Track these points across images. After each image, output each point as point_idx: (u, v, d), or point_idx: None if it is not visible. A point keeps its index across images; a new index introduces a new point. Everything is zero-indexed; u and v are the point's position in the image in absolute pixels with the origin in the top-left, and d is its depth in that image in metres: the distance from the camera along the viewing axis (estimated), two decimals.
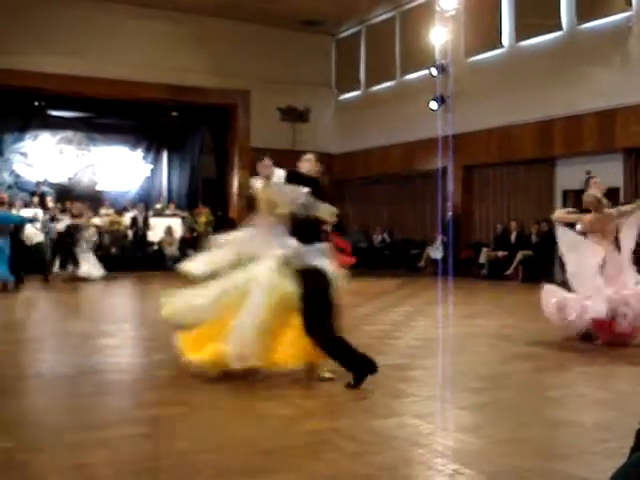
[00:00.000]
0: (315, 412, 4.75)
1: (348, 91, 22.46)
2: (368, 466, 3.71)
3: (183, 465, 3.69)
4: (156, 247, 19.39)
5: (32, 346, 7.48)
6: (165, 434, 4.25)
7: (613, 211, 8.03)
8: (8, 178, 20.62)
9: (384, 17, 20.78)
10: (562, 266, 15.71)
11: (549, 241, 15.82)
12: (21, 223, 15.25)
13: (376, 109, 20.73)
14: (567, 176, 16.14)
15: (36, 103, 20.11)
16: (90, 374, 5.98)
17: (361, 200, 22.43)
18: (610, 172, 15.12)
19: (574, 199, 16.35)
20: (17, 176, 20.88)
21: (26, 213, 17.50)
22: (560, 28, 15.61)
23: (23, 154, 21.05)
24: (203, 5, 19.61)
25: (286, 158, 23.37)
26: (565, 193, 16.32)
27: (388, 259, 20.60)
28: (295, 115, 22.13)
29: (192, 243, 19.69)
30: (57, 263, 16.26)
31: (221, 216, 21.58)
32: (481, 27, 17.49)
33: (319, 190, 5.55)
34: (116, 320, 9.93)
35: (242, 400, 5.06)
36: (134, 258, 18.78)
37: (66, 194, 20.79)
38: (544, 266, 16.08)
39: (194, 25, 20.29)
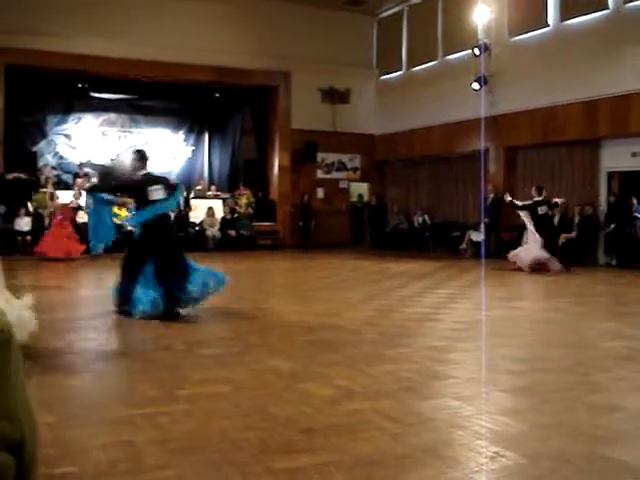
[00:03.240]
0: (356, 393, 4.76)
1: (389, 72, 22.33)
2: (408, 447, 3.73)
3: (226, 443, 3.74)
4: (198, 228, 19.54)
5: (77, 324, 7.61)
6: (208, 412, 4.31)
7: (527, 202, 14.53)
8: (52, 159, 20.93)
9: None
10: (605, 249, 15.60)
11: (592, 224, 15.64)
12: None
13: (417, 90, 20.59)
14: (612, 157, 15.89)
15: (80, 85, 20.33)
16: (133, 352, 6.08)
17: (402, 182, 22.35)
18: None
19: (619, 180, 16.11)
20: (60, 157, 21.19)
21: (68, 195, 17.90)
22: (606, 7, 15.31)
23: (67, 136, 21.35)
24: None
25: (327, 139, 23.25)
26: (610, 174, 16.06)
27: (429, 241, 20.53)
28: (336, 96, 22.07)
29: (233, 224, 19.85)
30: None
31: (262, 197, 21.69)
32: (525, 6, 17.23)
33: None
34: None
35: (284, 380, 5.10)
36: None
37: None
38: (587, 249, 15.88)
39: (236, 6, 20.33)
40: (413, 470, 3.44)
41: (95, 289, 11.68)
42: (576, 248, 15.78)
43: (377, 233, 22.31)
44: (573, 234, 15.78)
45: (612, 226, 15.47)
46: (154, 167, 22.45)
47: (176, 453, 3.60)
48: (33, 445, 1.79)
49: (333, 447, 3.71)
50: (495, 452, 3.64)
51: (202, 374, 5.32)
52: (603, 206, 16.05)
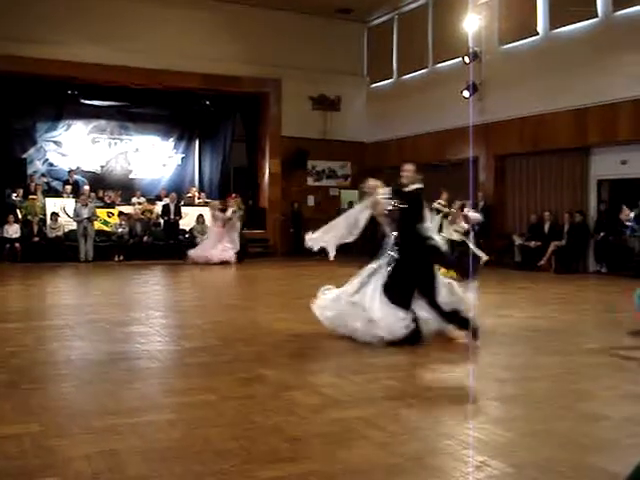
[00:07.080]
0: (342, 401, 4.73)
1: (380, 79, 22.34)
2: (394, 455, 3.69)
3: (210, 452, 3.70)
4: (188, 235, 19.45)
5: (62, 332, 7.54)
6: (193, 421, 4.27)
7: None
8: (42, 166, 20.85)
9: (417, 4, 20.62)
10: (596, 256, 15.60)
11: (582, 232, 15.66)
12: None
13: (408, 97, 20.61)
14: (602, 165, 15.91)
15: (69, 92, 20.28)
16: (119, 361, 6.02)
17: None
18: None
19: (609, 188, 16.13)
20: (50, 164, 21.12)
21: (57, 202, 17.87)
22: (595, 15, 15.36)
23: (57, 143, 21.27)
24: None
25: (317, 146, 23.25)
26: (600, 182, 16.07)
27: None
28: (326, 104, 22.08)
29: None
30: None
31: (252, 205, 21.63)
32: (515, 14, 17.28)
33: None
34: (146, 308, 9.99)
35: (269, 388, 5.06)
36: (166, 246, 18.84)
37: (99, 182, 21.00)
38: (577, 257, 15.90)
39: (227, 13, 20.33)
40: (398, 479, 3.40)
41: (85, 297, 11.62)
42: (566, 255, 15.81)
43: (368, 240, 22.23)
44: (563, 241, 15.80)
45: (602, 234, 15.47)
46: (144, 174, 22.55)
47: (159, 463, 3.56)
48: None
49: (318, 456, 3.67)
50: (481, 461, 3.61)
51: (187, 383, 5.28)
52: (593, 214, 16.06)
